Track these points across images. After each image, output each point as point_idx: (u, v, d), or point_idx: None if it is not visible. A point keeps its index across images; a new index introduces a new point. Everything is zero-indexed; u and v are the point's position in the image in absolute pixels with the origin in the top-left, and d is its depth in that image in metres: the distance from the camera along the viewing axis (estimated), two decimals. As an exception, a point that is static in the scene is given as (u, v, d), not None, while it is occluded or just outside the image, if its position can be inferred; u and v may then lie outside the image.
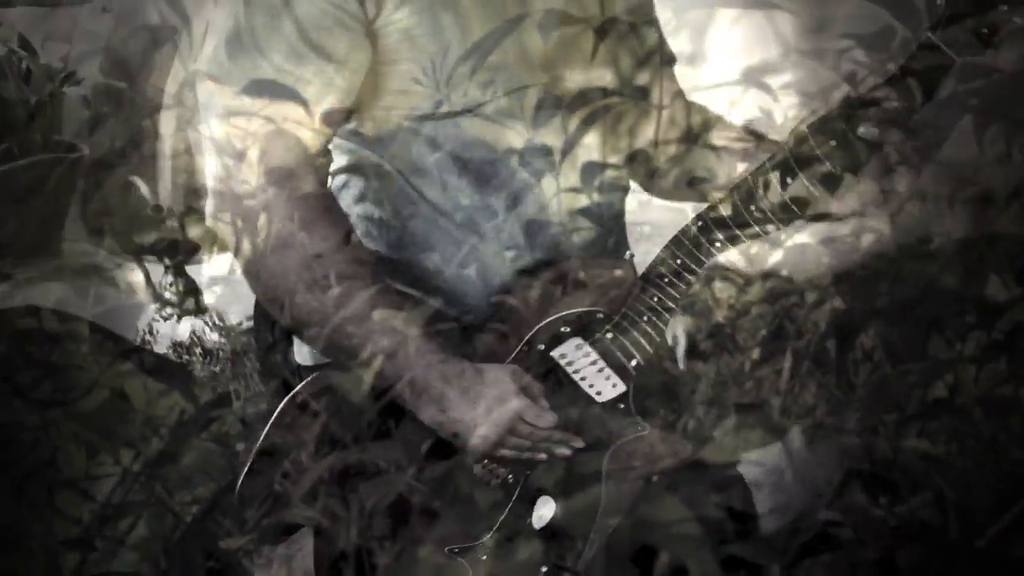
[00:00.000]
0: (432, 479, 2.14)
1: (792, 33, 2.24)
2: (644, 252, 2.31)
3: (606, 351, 2.21)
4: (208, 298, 2.39)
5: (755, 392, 2.15)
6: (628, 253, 2.35)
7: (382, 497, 2.09)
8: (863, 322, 2.09)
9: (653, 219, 2.63)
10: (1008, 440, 2.03)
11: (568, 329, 2.23)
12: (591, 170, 2.26)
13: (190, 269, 2.40)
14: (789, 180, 2.16)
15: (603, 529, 2.11)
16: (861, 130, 2.13)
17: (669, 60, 2.37)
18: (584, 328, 2.23)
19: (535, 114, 2.21)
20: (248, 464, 2.16)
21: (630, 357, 2.21)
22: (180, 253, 2.37)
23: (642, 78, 2.29)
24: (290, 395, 2.18)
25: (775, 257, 2.19)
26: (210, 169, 2.19)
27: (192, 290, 2.36)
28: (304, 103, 2.16)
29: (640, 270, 2.27)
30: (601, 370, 2.21)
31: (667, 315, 2.21)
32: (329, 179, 2.29)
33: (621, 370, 2.21)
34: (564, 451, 2.16)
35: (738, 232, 2.20)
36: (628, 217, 2.38)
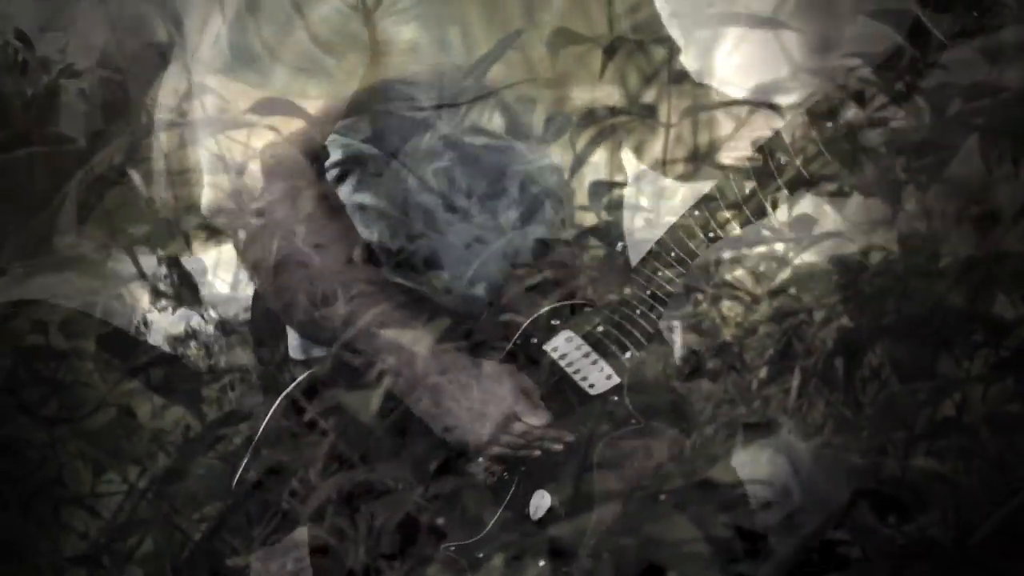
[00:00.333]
0: (439, 495, 2.15)
1: (800, 52, 2.24)
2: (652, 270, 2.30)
3: (598, 343, 2.21)
4: (204, 290, 2.38)
5: (763, 411, 2.15)
6: (621, 244, 2.35)
7: (390, 516, 2.09)
8: (871, 340, 2.09)
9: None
10: (1016, 459, 2.03)
11: (558, 322, 2.23)
12: (599, 188, 2.26)
13: (185, 261, 2.40)
14: (796, 196, 2.16)
15: (604, 532, 2.11)
16: (868, 148, 2.13)
17: (679, 77, 2.36)
18: (575, 321, 2.23)
19: (543, 132, 2.21)
20: (245, 462, 2.16)
21: (624, 349, 2.21)
22: (175, 244, 2.36)
23: (649, 96, 2.29)
24: (283, 394, 2.19)
25: (783, 275, 2.19)
26: (211, 182, 2.19)
27: (187, 282, 2.35)
28: (307, 117, 2.16)
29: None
30: (595, 362, 2.20)
31: (660, 308, 2.21)
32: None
33: (615, 362, 2.21)
34: (557, 447, 2.17)
35: (730, 216, 2.18)
36: (636, 235, 2.37)
